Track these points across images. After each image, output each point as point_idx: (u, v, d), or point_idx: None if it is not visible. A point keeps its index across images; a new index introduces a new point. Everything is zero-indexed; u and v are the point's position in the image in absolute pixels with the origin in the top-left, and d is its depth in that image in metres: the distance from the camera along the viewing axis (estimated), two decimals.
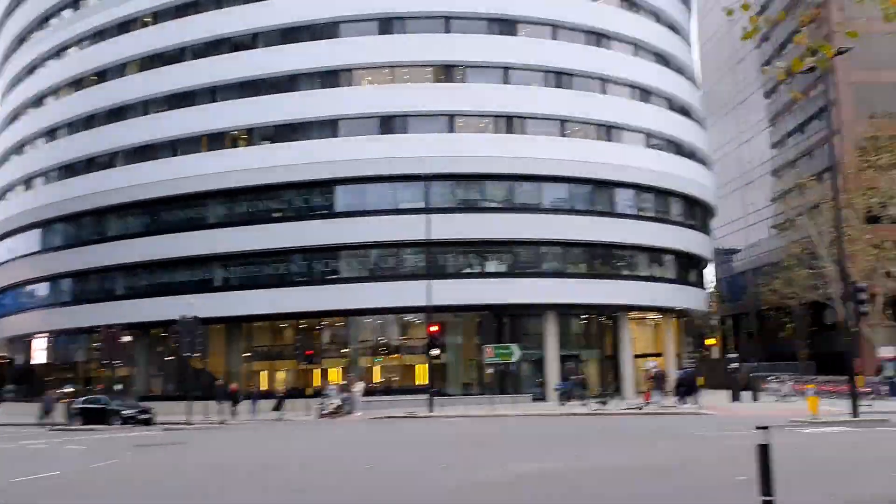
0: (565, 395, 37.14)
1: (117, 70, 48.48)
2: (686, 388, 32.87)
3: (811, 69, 29.68)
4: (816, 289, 45.63)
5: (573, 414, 31.31)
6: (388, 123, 42.15)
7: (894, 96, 49.32)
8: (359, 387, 37.24)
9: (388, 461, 16.44)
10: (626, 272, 45.77)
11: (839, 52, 28.58)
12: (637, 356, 52.02)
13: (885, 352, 38.32)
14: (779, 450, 16.94)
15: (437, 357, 35.78)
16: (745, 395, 37.88)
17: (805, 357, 52.50)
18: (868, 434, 20.08)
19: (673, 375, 35.03)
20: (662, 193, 47.10)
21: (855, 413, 24.11)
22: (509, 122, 42.79)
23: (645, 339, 54.67)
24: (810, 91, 50.84)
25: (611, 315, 46.79)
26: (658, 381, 33.87)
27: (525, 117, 42.81)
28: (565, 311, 44.37)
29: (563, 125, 43.79)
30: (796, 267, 48.95)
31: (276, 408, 36.12)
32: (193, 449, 21.80)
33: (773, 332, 58.96)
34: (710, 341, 51.75)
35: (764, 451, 9.20)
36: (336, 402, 35.55)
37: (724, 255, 70.13)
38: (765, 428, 9.29)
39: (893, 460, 14.38)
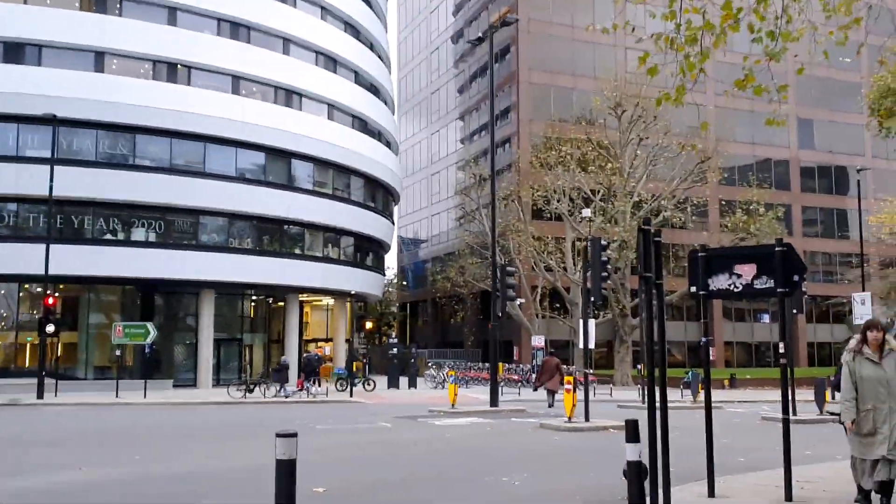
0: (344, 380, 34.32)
1: None
2: (307, 373, 31.06)
3: (492, 28, 28.76)
4: (485, 278, 46.41)
5: (207, 403, 27.45)
6: (18, 52, 34.72)
7: (568, 100, 51.95)
8: None
9: None
10: (298, 251, 42.79)
11: (505, 24, 28.05)
12: (308, 341, 49.58)
13: (536, 341, 39.41)
14: (396, 448, 14.88)
15: (53, 335, 29.86)
16: (404, 381, 36.84)
17: (472, 345, 53.72)
18: (496, 426, 18.83)
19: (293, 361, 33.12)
20: (344, 171, 44.83)
21: (494, 402, 23.22)
22: (172, 70, 37.44)
23: (318, 324, 52.44)
24: (498, 92, 51.82)
25: (280, 296, 43.65)
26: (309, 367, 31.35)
27: (192, 67, 37.74)
28: (227, 290, 40.42)
29: (238, 83, 39.46)
30: (469, 257, 49.82)
31: None
32: None
33: (446, 319, 59.95)
34: (370, 325, 50.77)
35: (285, 469, 6.23)
36: None
37: (410, 244, 70.47)
38: (292, 435, 6.35)
39: (509, 460, 12.61)
